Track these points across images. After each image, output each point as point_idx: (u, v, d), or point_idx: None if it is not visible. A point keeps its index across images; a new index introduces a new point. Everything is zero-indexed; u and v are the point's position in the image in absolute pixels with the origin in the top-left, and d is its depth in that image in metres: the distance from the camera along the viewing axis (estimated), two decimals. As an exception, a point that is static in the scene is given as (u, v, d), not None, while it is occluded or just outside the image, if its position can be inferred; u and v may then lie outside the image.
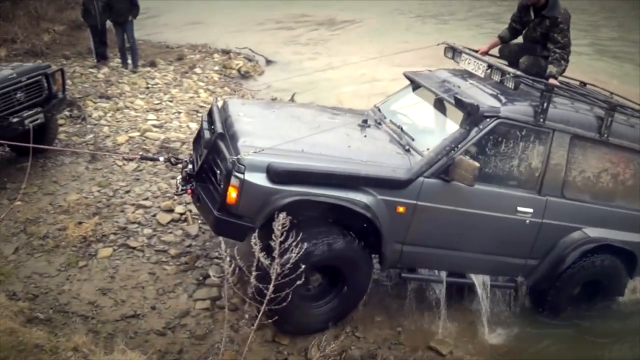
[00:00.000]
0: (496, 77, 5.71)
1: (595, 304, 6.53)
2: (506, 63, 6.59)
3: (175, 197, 7.18)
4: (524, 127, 5.55)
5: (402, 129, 5.95)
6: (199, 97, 12.16)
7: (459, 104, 5.55)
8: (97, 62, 13.66)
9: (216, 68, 14.72)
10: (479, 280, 5.89)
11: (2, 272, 5.80)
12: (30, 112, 7.49)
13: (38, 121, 7.58)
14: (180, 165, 5.97)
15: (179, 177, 5.67)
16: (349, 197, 5.05)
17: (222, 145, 5.21)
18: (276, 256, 3.87)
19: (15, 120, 7.20)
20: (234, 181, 4.88)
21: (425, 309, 6.05)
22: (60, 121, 9.58)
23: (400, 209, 5.27)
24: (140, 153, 7.97)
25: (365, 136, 5.81)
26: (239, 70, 14.68)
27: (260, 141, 5.11)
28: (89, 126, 9.76)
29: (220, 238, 5.78)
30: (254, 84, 14.08)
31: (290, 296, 4.28)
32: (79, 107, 10.29)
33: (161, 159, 6.25)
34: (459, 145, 5.34)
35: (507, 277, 6.08)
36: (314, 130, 5.44)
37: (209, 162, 5.42)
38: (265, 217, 4.89)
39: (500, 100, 5.62)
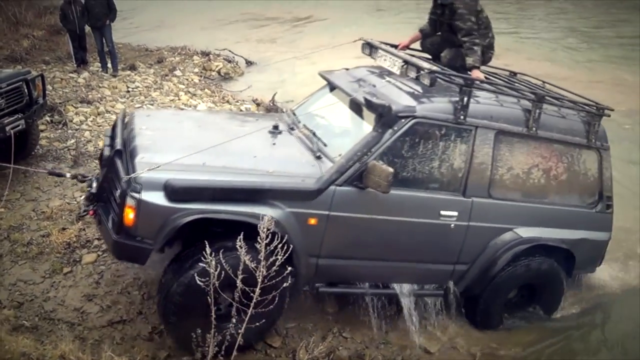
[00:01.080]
0: (412, 74, 5.25)
1: (533, 311, 6.10)
2: (430, 57, 6.16)
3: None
4: (443, 126, 5.07)
5: (314, 134, 5.48)
6: (179, 99, 11.86)
7: (369, 105, 5.04)
8: (77, 67, 13.33)
9: (196, 70, 14.34)
10: (403, 290, 5.47)
11: None
12: (11, 119, 7.31)
13: (19, 127, 7.38)
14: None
15: (83, 196, 5.30)
16: (254, 211, 4.61)
17: (118, 162, 4.82)
18: (262, 259, 3.82)
19: None
20: (130, 202, 4.48)
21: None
22: (42, 127, 9.36)
23: (312, 221, 4.86)
24: (52, 167, 7.65)
25: (274, 144, 5.38)
26: (219, 72, 14.31)
27: (160, 156, 4.69)
28: (70, 131, 9.53)
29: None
30: (235, 85, 13.69)
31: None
32: (60, 113, 10.07)
33: (68, 175, 5.90)
34: (372, 150, 4.89)
35: (435, 284, 5.65)
36: (220, 141, 4.97)
37: (107, 181, 5.03)
38: (164, 238, 4.56)
39: (416, 99, 5.15)
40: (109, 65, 13.32)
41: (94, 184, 5.27)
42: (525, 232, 5.56)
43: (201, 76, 14.03)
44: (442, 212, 5.24)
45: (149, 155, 4.82)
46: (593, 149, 5.73)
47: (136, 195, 4.48)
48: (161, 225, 4.53)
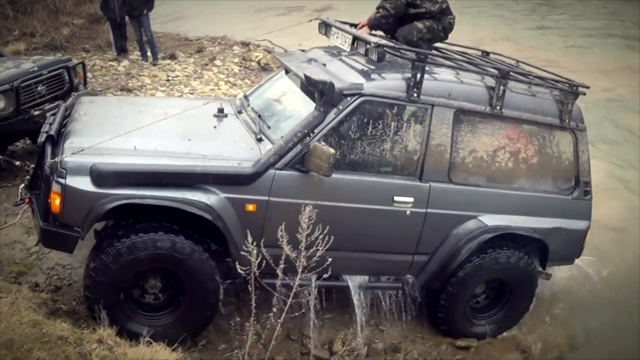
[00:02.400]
0: (362, 50, 4.84)
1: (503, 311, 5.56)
2: (388, 37, 5.74)
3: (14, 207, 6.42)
4: (395, 104, 4.63)
5: (259, 116, 5.11)
6: (219, 89, 11.60)
7: (309, 82, 4.59)
8: (117, 55, 13.18)
9: (236, 60, 13.93)
10: (353, 283, 5.00)
11: (24, 264, 5.61)
12: (52, 105, 7.27)
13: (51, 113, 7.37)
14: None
15: (22, 185, 5.03)
16: (185, 197, 4.31)
17: (48, 148, 4.55)
18: (302, 249, 3.69)
19: (36, 113, 6.99)
20: (55, 187, 4.23)
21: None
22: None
23: (250, 207, 4.48)
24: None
25: (214, 127, 5.02)
26: (258, 62, 13.82)
27: (89, 141, 4.40)
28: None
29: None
30: None
31: None
32: (100, 100, 9.91)
33: (17, 163, 5.57)
34: (315, 131, 4.49)
35: (391, 276, 5.17)
36: (157, 124, 4.70)
37: (40, 167, 4.77)
38: (90, 225, 4.30)
39: (365, 76, 4.73)
40: (149, 54, 13.14)
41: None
42: (491, 219, 5.03)
43: (241, 66, 13.63)
44: (396, 198, 4.77)
45: (79, 139, 4.54)
46: (567, 130, 5.18)
47: (61, 180, 4.22)
48: (88, 212, 4.25)
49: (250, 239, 3.81)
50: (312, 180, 4.54)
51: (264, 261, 3.94)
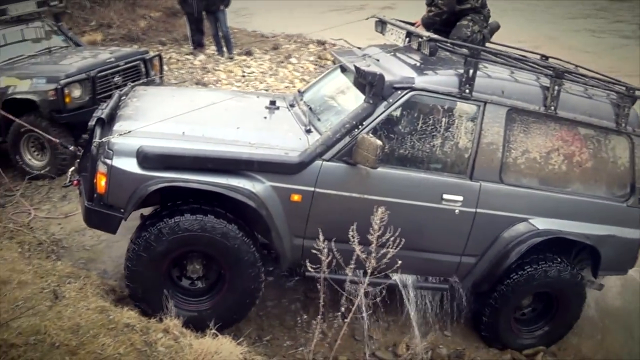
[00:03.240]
0: (415, 45, 4.76)
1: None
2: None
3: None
4: (446, 100, 4.54)
5: (310, 108, 5.06)
6: (294, 87, 11.33)
7: (359, 73, 4.51)
8: (193, 49, 13.19)
9: (311, 58, 13.88)
10: (401, 281, 4.85)
11: (94, 250, 5.67)
12: None
13: None
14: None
15: (72, 168, 5.08)
16: (230, 183, 4.26)
17: (98, 131, 4.57)
18: (373, 250, 3.61)
19: None
20: (101, 168, 4.25)
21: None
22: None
23: (296, 197, 4.40)
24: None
25: (265, 117, 4.97)
26: (334, 62, 13.99)
27: (138, 124, 4.42)
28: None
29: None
30: None
31: None
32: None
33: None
34: (364, 123, 4.41)
35: (438, 277, 5.01)
36: (207, 113, 4.69)
37: (89, 150, 4.73)
38: (133, 206, 4.28)
39: (417, 70, 4.65)
40: (225, 49, 13.14)
41: None
42: (542, 223, 4.85)
43: (316, 65, 13.56)
44: (445, 196, 4.65)
45: (128, 123, 4.56)
46: (623, 135, 4.99)
47: (108, 161, 4.23)
48: (132, 193, 4.25)
49: (321, 237, 3.70)
50: (359, 173, 4.45)
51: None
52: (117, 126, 4.51)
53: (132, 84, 6.12)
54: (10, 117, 6.47)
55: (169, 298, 4.48)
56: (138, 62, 7.77)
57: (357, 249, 3.67)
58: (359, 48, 5.71)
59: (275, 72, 12.39)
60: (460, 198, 4.67)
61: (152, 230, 4.30)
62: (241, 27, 16.34)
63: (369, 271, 3.67)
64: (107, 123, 4.71)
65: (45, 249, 5.58)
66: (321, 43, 15.08)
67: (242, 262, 4.47)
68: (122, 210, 4.31)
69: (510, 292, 4.93)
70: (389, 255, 3.76)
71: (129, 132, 4.32)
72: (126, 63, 7.57)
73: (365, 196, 4.49)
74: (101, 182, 4.30)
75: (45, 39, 8.02)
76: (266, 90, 10.97)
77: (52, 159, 7.05)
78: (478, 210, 4.72)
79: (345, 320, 3.85)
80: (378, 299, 4.21)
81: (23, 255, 5.19)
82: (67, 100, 6.82)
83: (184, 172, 4.28)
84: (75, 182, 4.90)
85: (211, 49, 13.58)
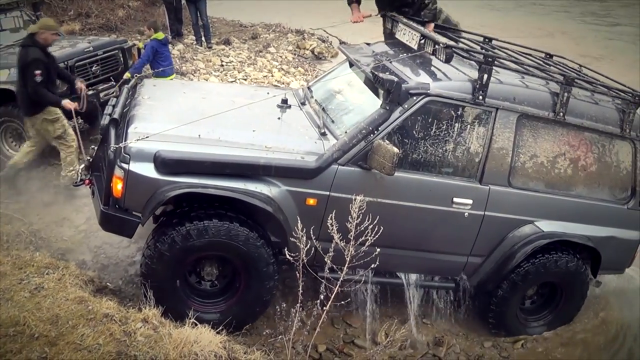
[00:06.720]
0: (429, 49, 4.75)
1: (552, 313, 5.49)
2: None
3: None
4: (460, 106, 4.55)
5: (323, 109, 5.02)
6: (272, 76, 11.45)
7: (377, 80, 4.51)
8: (172, 39, 12.80)
9: (290, 48, 13.84)
10: (408, 280, 4.96)
11: (72, 241, 5.61)
12: (106, 86, 7.40)
13: (112, 94, 7.28)
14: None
15: (81, 166, 4.99)
16: (247, 188, 4.25)
17: (112, 132, 4.49)
18: (352, 238, 3.66)
19: (90, 92, 6.93)
20: (118, 172, 4.21)
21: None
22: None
23: (311, 201, 4.42)
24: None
25: (278, 118, 4.92)
26: (312, 51, 13.70)
27: (154, 127, 4.35)
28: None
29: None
30: (328, 65, 12.72)
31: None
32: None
33: None
34: (380, 128, 4.41)
35: (445, 276, 5.12)
36: (221, 111, 4.61)
37: (103, 150, 4.70)
38: (151, 211, 4.25)
39: (431, 76, 4.65)
40: (203, 38, 12.94)
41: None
42: (547, 225, 4.96)
43: (295, 54, 13.53)
44: (456, 200, 4.71)
45: (143, 125, 4.48)
46: (627, 140, 5.08)
47: (125, 165, 4.19)
48: (149, 198, 4.21)
49: (300, 226, 3.78)
50: (373, 177, 4.47)
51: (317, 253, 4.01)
52: (132, 128, 4.44)
53: (138, 75, 5.99)
54: None
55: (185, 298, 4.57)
56: (116, 51, 7.72)
57: (336, 238, 3.83)
58: (367, 44, 5.68)
59: (254, 62, 12.31)
60: (470, 201, 4.74)
61: (181, 230, 4.29)
62: (220, 17, 16.13)
63: (348, 259, 3.77)
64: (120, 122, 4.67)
65: (23, 240, 5.53)
66: (300, 33, 14.98)
67: (260, 268, 4.53)
68: (138, 215, 4.29)
69: (521, 281, 5.05)
70: (363, 248, 3.87)
71: (146, 137, 4.26)
72: (104, 52, 7.52)
73: (380, 200, 4.51)
74: (117, 186, 4.25)
75: (24, 29, 7.72)
76: (244, 79, 10.98)
77: None
78: (486, 213, 4.79)
79: (324, 308, 3.92)
80: (367, 295, 4.45)
81: (1, 246, 5.17)
82: None
83: (201, 176, 4.25)
84: (87, 181, 4.85)
85: (190, 38, 13.41)
